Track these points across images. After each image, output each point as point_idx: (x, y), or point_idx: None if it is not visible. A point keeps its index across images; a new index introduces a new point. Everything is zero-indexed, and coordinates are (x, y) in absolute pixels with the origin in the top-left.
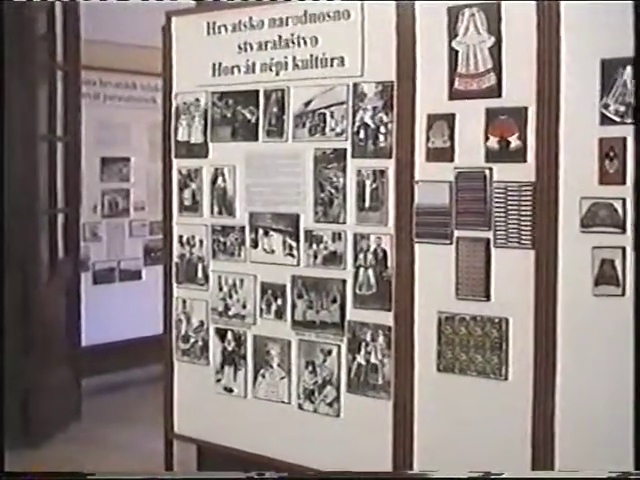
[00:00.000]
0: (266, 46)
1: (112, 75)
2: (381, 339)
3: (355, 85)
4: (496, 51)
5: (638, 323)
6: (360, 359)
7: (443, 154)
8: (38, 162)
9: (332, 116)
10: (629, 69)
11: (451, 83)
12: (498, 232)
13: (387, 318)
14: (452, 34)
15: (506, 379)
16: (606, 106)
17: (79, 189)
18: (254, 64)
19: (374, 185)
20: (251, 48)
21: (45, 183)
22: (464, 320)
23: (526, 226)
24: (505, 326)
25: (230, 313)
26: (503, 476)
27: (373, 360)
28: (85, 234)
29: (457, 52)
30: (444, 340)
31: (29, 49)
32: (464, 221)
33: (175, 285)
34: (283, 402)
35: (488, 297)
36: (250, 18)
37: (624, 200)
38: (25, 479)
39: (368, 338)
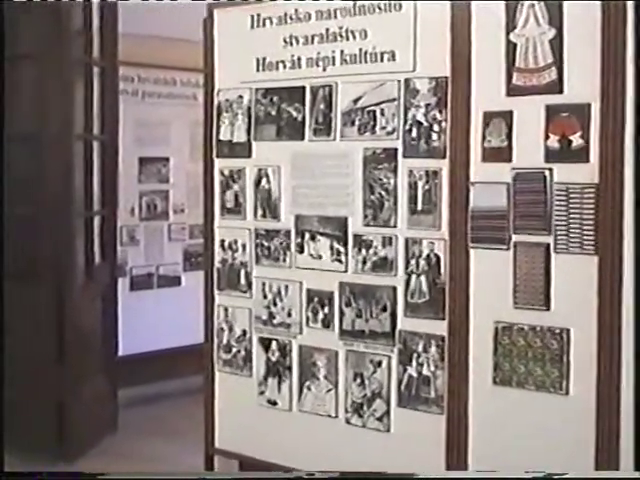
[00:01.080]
0: (313, 40)
1: (151, 71)
2: (434, 350)
3: (407, 81)
4: (557, 44)
5: None
6: (411, 371)
7: (500, 154)
8: (74, 162)
9: (382, 114)
10: None
11: (509, 78)
12: (559, 237)
13: (440, 327)
14: (510, 26)
15: (567, 394)
16: None
17: (116, 191)
18: (300, 59)
19: (427, 187)
20: (297, 42)
21: (81, 184)
22: (522, 330)
23: (589, 230)
24: (566, 337)
25: (274, 322)
26: (566, 476)
27: (425, 372)
28: (122, 238)
29: (515, 45)
30: (501, 351)
31: (64, 44)
32: (522, 225)
33: (216, 292)
34: (330, 416)
35: (548, 306)
36: (296, 10)
37: None
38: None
39: (420, 349)
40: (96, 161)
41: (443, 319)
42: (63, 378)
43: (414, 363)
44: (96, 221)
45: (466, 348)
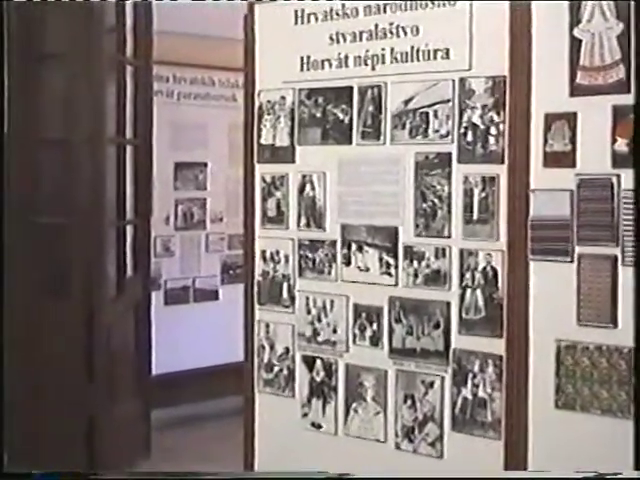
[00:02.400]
0: (361, 37)
1: (187, 70)
2: (491, 370)
3: (462, 80)
4: (625, 40)
5: None
6: (466, 393)
7: (563, 159)
8: (105, 168)
9: (435, 116)
10: None
11: (572, 77)
12: (627, 248)
13: (498, 346)
14: (574, 20)
15: (636, 419)
16: None
17: (150, 198)
18: (347, 57)
19: (483, 194)
20: (344, 39)
21: (113, 191)
22: (587, 349)
23: None
24: (635, 357)
25: (319, 339)
26: (620, 476)
27: (481, 394)
28: (156, 249)
29: (580, 41)
30: (563, 372)
31: (95, 43)
32: (587, 236)
33: (257, 307)
34: (378, 441)
35: (615, 323)
36: (343, 5)
37: None
38: None
39: (476, 369)
40: (129, 167)
41: (501, 337)
42: (93, 398)
43: (469, 384)
44: (129, 231)
45: (525, 368)
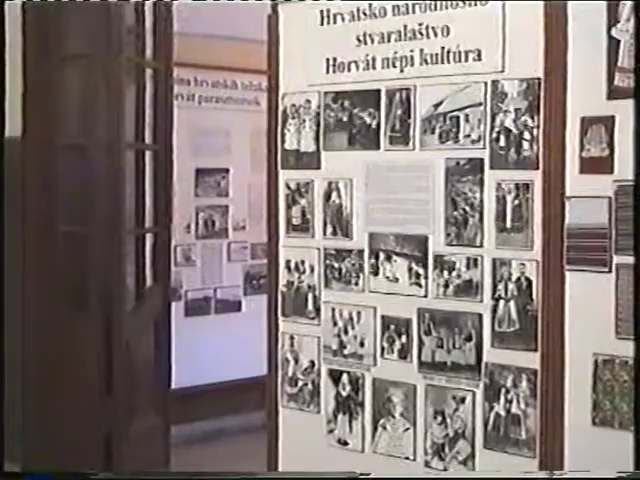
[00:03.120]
0: (389, 38)
1: (209, 73)
2: (524, 385)
3: (494, 83)
4: None
5: None
6: (499, 409)
7: (600, 164)
8: (124, 174)
9: (467, 120)
10: None
11: (610, 79)
12: None
13: (532, 360)
14: (612, 19)
15: None
16: None
17: (170, 205)
18: (375, 59)
19: (517, 201)
20: (371, 40)
21: (131, 198)
22: (626, 364)
23: None
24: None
25: (345, 352)
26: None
27: (515, 410)
28: (177, 258)
29: (618, 42)
30: (601, 388)
31: (114, 44)
32: (626, 245)
33: (281, 318)
34: (407, 458)
35: None
36: (370, 5)
37: None
38: None
39: (509, 384)
40: (148, 173)
41: (535, 350)
42: (111, 412)
43: (502, 400)
44: (148, 239)
45: (561, 384)
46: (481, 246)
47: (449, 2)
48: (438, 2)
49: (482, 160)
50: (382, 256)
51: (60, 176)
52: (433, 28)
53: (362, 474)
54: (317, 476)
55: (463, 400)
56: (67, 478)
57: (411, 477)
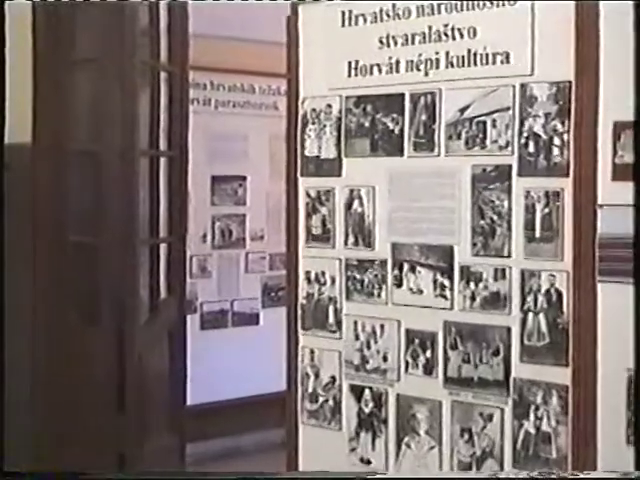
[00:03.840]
0: (413, 40)
1: (226, 76)
2: (555, 402)
3: (523, 86)
4: None
5: None
6: (529, 426)
7: (634, 171)
8: (137, 182)
9: (494, 125)
10: None
11: None
12: None
13: (563, 375)
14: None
15: None
16: None
17: (185, 214)
18: (398, 62)
19: (547, 210)
20: (395, 42)
21: (145, 207)
22: None
23: None
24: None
25: (368, 367)
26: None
27: (545, 428)
28: (192, 269)
29: None
30: (635, 405)
31: (127, 47)
32: None
33: (301, 332)
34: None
35: None
36: (394, 6)
37: None
38: None
39: (539, 400)
40: (163, 180)
41: (566, 365)
42: (124, 430)
43: (532, 417)
44: (162, 249)
45: (593, 400)
46: (509, 256)
47: (476, 2)
48: (464, 2)
49: (510, 167)
50: (406, 267)
51: (71, 184)
52: (459, 29)
53: (369, 473)
54: (320, 476)
55: (491, 417)
56: (67, 478)
57: (413, 477)
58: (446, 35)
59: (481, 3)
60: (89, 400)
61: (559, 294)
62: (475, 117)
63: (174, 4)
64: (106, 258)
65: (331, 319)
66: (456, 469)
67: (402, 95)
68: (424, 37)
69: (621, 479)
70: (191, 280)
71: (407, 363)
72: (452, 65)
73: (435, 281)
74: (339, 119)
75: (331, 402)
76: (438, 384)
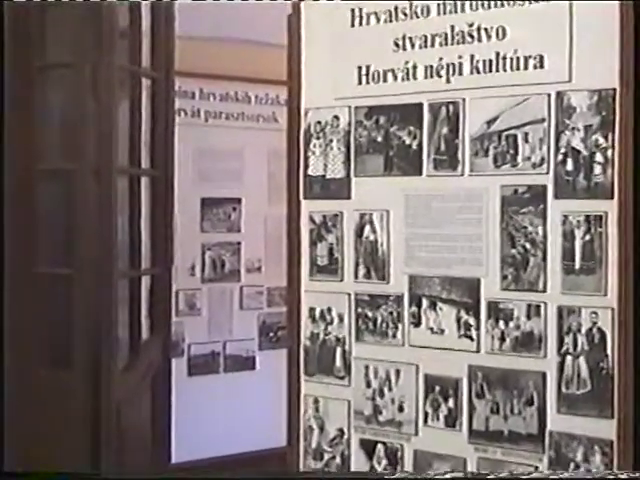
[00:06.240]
0: (433, 42)
1: (217, 84)
2: (598, 459)
3: (559, 95)
4: None
5: None
6: None
7: None
8: (115, 204)
9: (526, 139)
10: None
11: None
12: None
13: (607, 429)
14: None
15: None
16: None
17: (171, 242)
18: (416, 67)
19: (587, 237)
20: (412, 45)
21: (125, 234)
22: None
23: None
24: None
25: (381, 419)
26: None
27: None
28: (179, 305)
29: None
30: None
31: (104, 50)
32: None
33: (304, 378)
34: None
35: None
36: (411, 4)
37: None
38: None
39: (579, 457)
40: (145, 203)
41: (610, 417)
42: None
43: None
44: (144, 283)
45: None
46: (544, 291)
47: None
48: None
49: (545, 187)
50: (425, 303)
51: (40, 207)
52: (486, 29)
53: (370, 473)
54: (320, 476)
55: None
56: (67, 478)
57: (415, 477)
58: (471, 36)
59: (511, 0)
60: (59, 459)
61: (602, 334)
62: (504, 130)
63: (158, 3)
64: (79, 292)
65: (339, 363)
66: None
67: (420, 105)
68: (445, 39)
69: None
70: (177, 318)
71: (426, 414)
72: (477, 71)
73: (459, 319)
74: (348, 133)
75: (338, 459)
76: (462, 438)
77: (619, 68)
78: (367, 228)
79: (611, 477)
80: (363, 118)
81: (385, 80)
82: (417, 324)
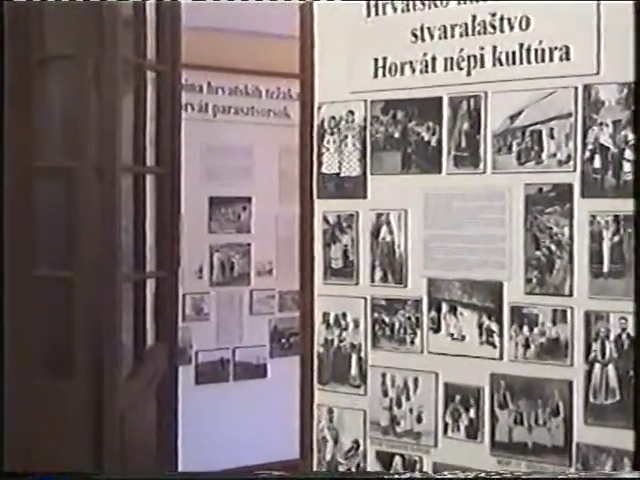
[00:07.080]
0: (453, 32)
1: (226, 77)
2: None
3: (587, 88)
4: None
5: None
6: None
7: None
8: (119, 204)
9: (551, 135)
10: None
11: None
12: None
13: (637, 441)
14: None
15: None
16: None
17: (178, 244)
18: (435, 59)
19: (616, 238)
20: (431, 36)
21: (129, 235)
22: None
23: None
24: None
25: (399, 429)
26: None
27: None
28: (185, 310)
29: None
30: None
31: (108, 41)
32: None
33: (317, 386)
34: None
35: None
36: None
37: None
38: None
39: (607, 470)
40: (150, 203)
41: None
42: None
43: None
44: (149, 286)
45: None
46: (571, 295)
47: None
48: None
49: (571, 186)
50: (445, 308)
51: (40, 207)
52: (509, 19)
53: (372, 473)
54: (320, 476)
55: None
56: (67, 478)
57: (416, 477)
58: (493, 27)
59: None
60: (60, 469)
61: (632, 341)
62: (528, 126)
63: None
64: (81, 296)
65: (354, 371)
66: None
67: (440, 99)
68: (466, 29)
69: (618, 479)
70: (184, 324)
71: (446, 425)
72: (500, 63)
73: (480, 325)
74: (363, 129)
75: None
76: (484, 450)
77: None
78: (384, 229)
79: (614, 477)
80: (379, 113)
81: (402, 73)
82: (436, 330)
